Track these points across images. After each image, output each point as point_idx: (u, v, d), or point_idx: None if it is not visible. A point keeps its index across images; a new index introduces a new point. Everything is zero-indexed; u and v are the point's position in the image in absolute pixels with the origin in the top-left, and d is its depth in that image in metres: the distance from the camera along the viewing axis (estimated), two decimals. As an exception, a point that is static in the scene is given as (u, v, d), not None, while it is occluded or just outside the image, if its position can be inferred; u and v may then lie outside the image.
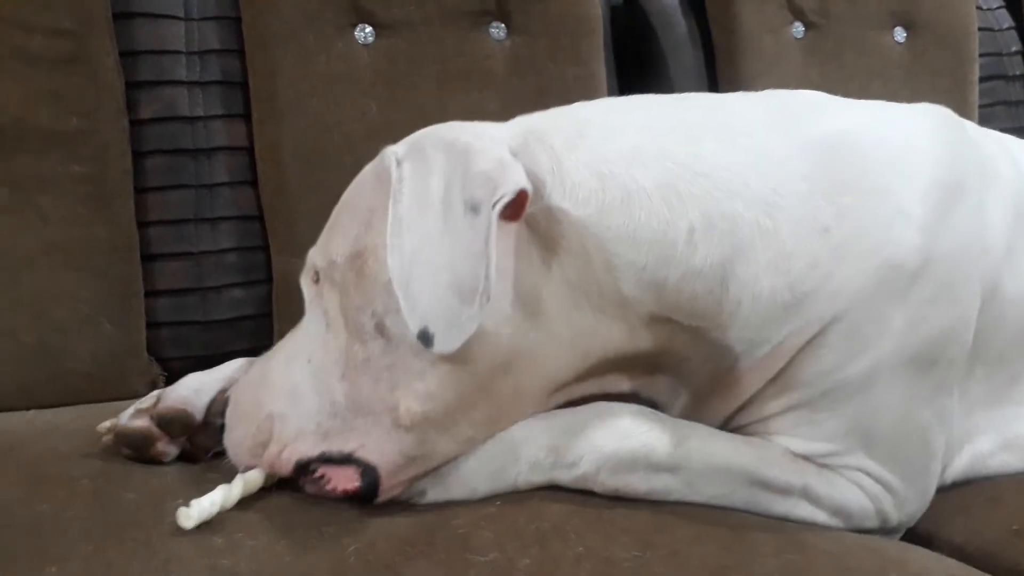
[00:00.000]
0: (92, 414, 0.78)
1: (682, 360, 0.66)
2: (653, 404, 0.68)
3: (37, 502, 0.62)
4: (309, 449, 0.61)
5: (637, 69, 1.21)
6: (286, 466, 0.61)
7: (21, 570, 0.55)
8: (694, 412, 0.68)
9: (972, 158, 0.71)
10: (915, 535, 0.71)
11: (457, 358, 0.58)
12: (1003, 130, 0.90)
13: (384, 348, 0.60)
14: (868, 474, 0.67)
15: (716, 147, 0.64)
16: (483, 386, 0.61)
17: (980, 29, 1.34)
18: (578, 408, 0.65)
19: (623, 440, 0.63)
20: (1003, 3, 1.43)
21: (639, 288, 0.62)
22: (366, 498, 0.60)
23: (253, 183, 0.99)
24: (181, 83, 0.97)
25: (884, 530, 0.69)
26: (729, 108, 0.70)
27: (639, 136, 0.64)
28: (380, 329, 0.60)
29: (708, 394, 0.68)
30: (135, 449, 0.67)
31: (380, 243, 0.59)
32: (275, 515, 0.60)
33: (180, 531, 0.58)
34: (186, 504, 0.58)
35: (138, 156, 0.95)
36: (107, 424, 0.70)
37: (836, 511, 0.66)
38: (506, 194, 0.56)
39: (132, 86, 0.95)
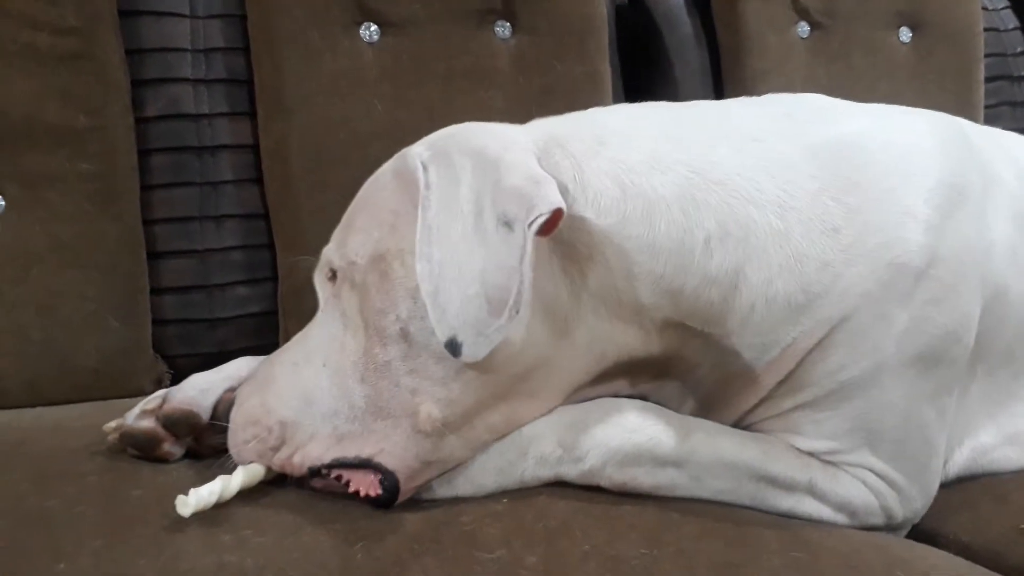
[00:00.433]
0: (99, 411, 0.78)
1: (693, 367, 0.67)
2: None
3: (46, 498, 0.62)
4: (323, 454, 0.61)
5: (642, 68, 1.20)
6: (299, 470, 0.61)
7: (30, 566, 0.55)
8: (701, 417, 0.68)
9: (974, 162, 0.72)
10: (921, 533, 0.71)
11: (480, 365, 0.59)
12: (1008, 130, 0.91)
13: (406, 353, 0.60)
14: (872, 471, 0.67)
15: (729, 153, 0.65)
16: (502, 392, 0.61)
17: (985, 29, 1.34)
18: (584, 404, 0.66)
19: (629, 435, 0.63)
20: (1008, 3, 1.43)
21: (657, 295, 0.63)
22: (385, 504, 0.60)
23: (258, 181, 0.99)
24: (186, 81, 0.98)
25: (889, 526, 0.69)
26: (738, 114, 0.70)
27: (657, 144, 0.65)
28: (404, 334, 0.60)
29: (716, 401, 0.68)
30: (141, 450, 0.67)
31: (406, 248, 0.60)
32: (282, 511, 0.60)
33: (188, 527, 0.58)
34: (186, 494, 0.58)
35: (143, 154, 0.95)
36: (112, 424, 0.69)
37: (841, 507, 0.67)
38: (542, 214, 0.56)
39: (137, 84, 0.95)
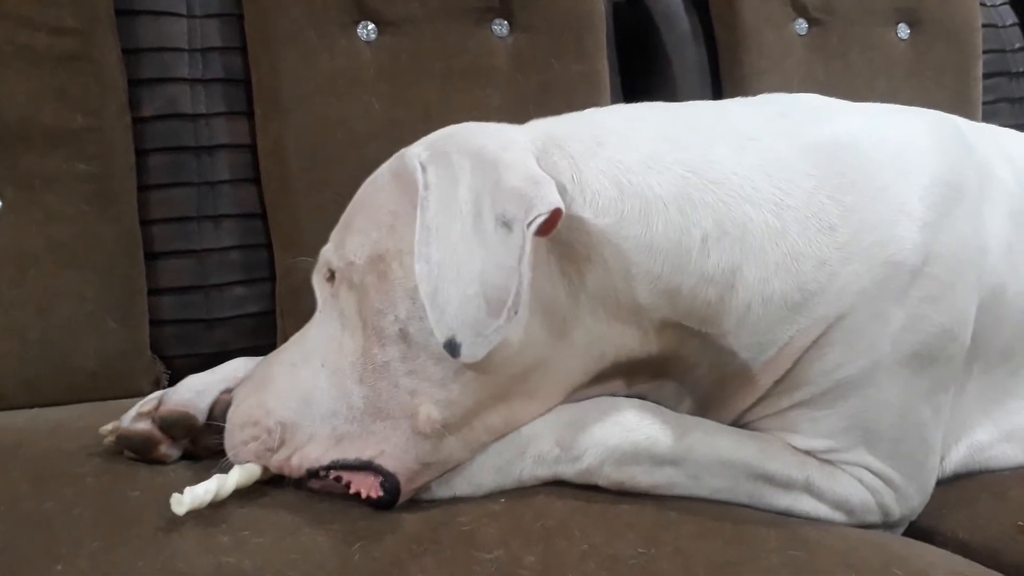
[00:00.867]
0: (97, 412, 0.78)
1: (690, 367, 0.67)
2: None
3: (43, 500, 0.62)
4: (322, 455, 0.61)
5: (640, 66, 1.20)
6: (297, 471, 0.61)
7: (28, 567, 0.55)
8: (698, 416, 0.68)
9: (969, 159, 0.72)
10: (919, 530, 0.71)
11: (479, 366, 0.59)
12: (1006, 126, 0.90)
13: (405, 353, 0.60)
14: (869, 469, 0.67)
15: (726, 153, 0.65)
16: (500, 393, 0.61)
17: (984, 25, 1.34)
18: (581, 403, 0.66)
19: (627, 433, 0.64)
20: (1007, -1, 1.43)
21: (654, 295, 0.63)
22: (387, 506, 0.60)
23: (255, 181, 0.99)
24: (184, 81, 0.98)
25: (886, 524, 0.69)
26: (735, 114, 0.70)
27: (654, 144, 0.65)
28: (403, 334, 0.60)
29: (714, 401, 0.68)
30: (137, 452, 0.67)
31: (405, 248, 0.60)
32: (280, 512, 0.60)
33: (185, 529, 0.58)
34: (181, 492, 0.58)
35: (141, 154, 0.95)
36: (108, 427, 0.69)
37: (838, 505, 0.67)
38: (541, 214, 0.56)
39: (135, 84, 0.95)
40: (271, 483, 0.64)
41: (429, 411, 0.59)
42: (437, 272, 0.57)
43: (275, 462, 0.62)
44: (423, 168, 0.61)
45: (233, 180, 0.99)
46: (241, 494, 0.62)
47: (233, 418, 0.64)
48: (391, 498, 0.60)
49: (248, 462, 0.62)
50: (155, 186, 0.96)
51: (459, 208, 0.58)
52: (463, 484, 0.63)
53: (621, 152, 0.64)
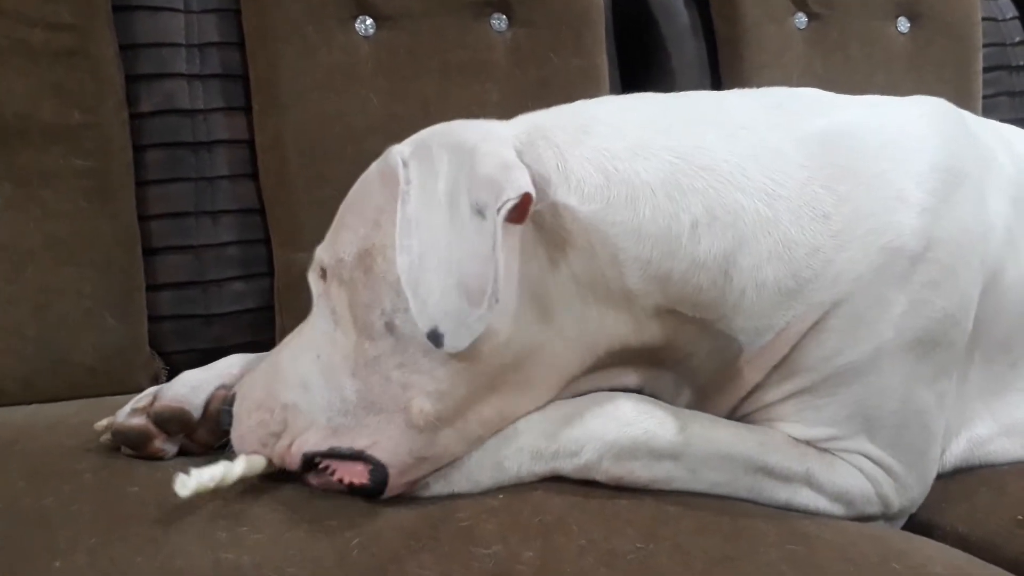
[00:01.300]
0: (95, 408, 0.77)
1: (686, 356, 0.67)
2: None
3: (41, 496, 0.62)
4: (319, 442, 0.61)
5: (639, 60, 1.20)
6: (295, 459, 0.62)
7: (26, 564, 0.55)
8: (697, 407, 0.68)
9: (970, 146, 0.72)
10: (918, 524, 0.71)
11: (468, 356, 0.59)
12: (1006, 120, 0.90)
13: (394, 347, 0.60)
14: (869, 458, 0.67)
15: (716, 141, 0.65)
16: (493, 384, 0.61)
17: (984, 19, 1.33)
18: (579, 398, 0.65)
19: (625, 428, 0.63)
20: (1007, -8, 1.43)
21: (645, 281, 0.63)
22: (372, 495, 0.61)
23: (254, 176, 0.99)
24: (181, 76, 0.97)
25: (886, 515, 0.69)
26: (730, 104, 0.70)
27: (642, 132, 0.65)
28: (390, 327, 0.60)
29: (712, 389, 0.68)
30: (133, 447, 0.67)
31: (388, 242, 0.60)
32: (279, 508, 0.60)
33: (184, 524, 0.58)
34: (186, 473, 0.58)
35: (138, 149, 0.95)
36: (104, 422, 0.69)
37: (838, 497, 0.67)
38: (510, 199, 0.56)
39: (132, 79, 0.95)
40: (270, 479, 0.64)
41: (422, 404, 0.59)
42: (418, 263, 0.57)
43: (278, 449, 0.62)
44: (405, 164, 0.61)
45: (231, 176, 0.99)
46: (240, 490, 0.62)
47: (241, 407, 0.64)
48: (377, 488, 0.60)
49: (253, 449, 0.62)
50: (153, 182, 0.96)
51: (438, 200, 0.59)
52: (461, 481, 0.63)
53: (608, 140, 0.64)
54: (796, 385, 0.66)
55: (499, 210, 0.56)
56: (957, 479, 0.75)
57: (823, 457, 0.66)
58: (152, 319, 0.94)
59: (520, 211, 0.58)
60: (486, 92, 1.03)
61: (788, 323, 0.64)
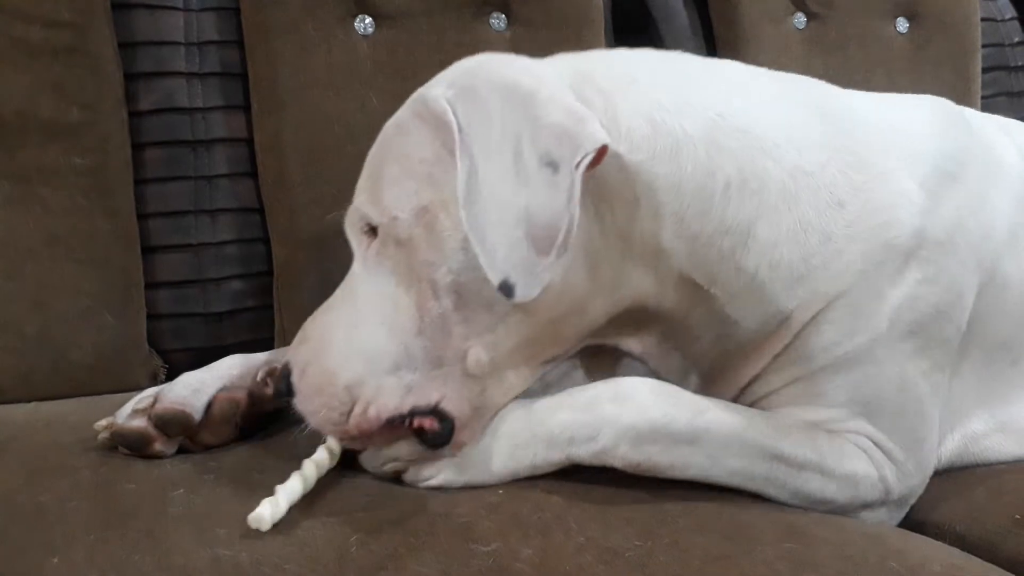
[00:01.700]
0: (93, 406, 0.78)
1: (695, 339, 0.67)
2: None
3: (39, 493, 0.62)
4: (399, 405, 0.61)
5: (638, 60, 1.20)
6: (376, 423, 0.62)
7: (24, 561, 0.55)
8: (702, 393, 0.68)
9: (975, 148, 0.73)
10: (916, 523, 0.71)
11: (524, 307, 0.60)
12: (1005, 120, 0.90)
13: (457, 303, 0.61)
14: (871, 440, 0.67)
15: (753, 104, 0.66)
16: (538, 335, 0.63)
17: (983, 19, 1.33)
18: (592, 384, 0.65)
19: (643, 411, 0.63)
20: (1006, -7, 1.43)
21: (676, 239, 0.63)
22: (436, 444, 0.62)
23: (252, 175, 0.99)
24: (180, 74, 0.97)
25: (886, 502, 0.68)
26: (763, 74, 0.72)
27: (685, 86, 0.65)
28: (456, 285, 0.60)
29: (717, 375, 0.69)
30: (132, 449, 0.67)
31: (449, 197, 0.59)
32: (277, 505, 0.60)
33: (182, 522, 0.58)
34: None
35: (137, 148, 0.95)
36: (103, 423, 0.69)
37: (845, 480, 0.66)
38: (588, 153, 0.57)
39: (131, 77, 0.95)
40: (270, 476, 0.64)
41: (478, 355, 0.61)
42: (483, 217, 0.57)
43: (352, 423, 0.62)
44: (452, 108, 0.60)
45: (230, 174, 0.99)
46: (239, 487, 0.62)
47: (302, 387, 0.63)
48: (445, 436, 0.61)
49: (328, 431, 0.63)
50: (152, 180, 0.96)
51: (497, 148, 0.58)
52: (474, 470, 0.62)
53: (654, 91, 0.64)
54: (796, 373, 0.66)
55: (577, 165, 0.56)
56: (954, 478, 0.75)
57: (833, 440, 0.67)
58: (151, 317, 0.94)
59: (594, 163, 0.58)
60: (485, 91, 1.03)
61: (792, 311, 0.65)
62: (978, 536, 0.69)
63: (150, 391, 0.70)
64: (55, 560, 0.54)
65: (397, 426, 0.62)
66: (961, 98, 1.26)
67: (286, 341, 0.93)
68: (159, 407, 0.67)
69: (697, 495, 0.64)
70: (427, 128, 0.62)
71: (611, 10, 1.16)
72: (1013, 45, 1.41)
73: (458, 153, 0.58)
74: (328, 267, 0.94)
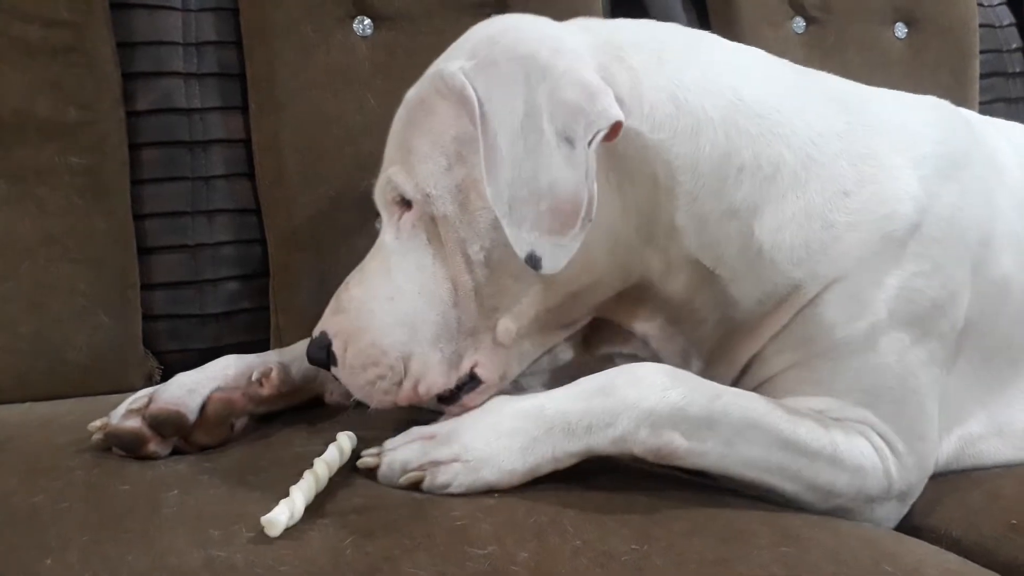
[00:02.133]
0: (88, 407, 0.77)
1: (699, 321, 0.68)
2: None
3: (33, 494, 0.61)
4: (447, 382, 0.65)
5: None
6: (425, 399, 0.65)
7: (17, 562, 0.54)
8: (704, 374, 0.68)
9: (976, 151, 0.74)
10: (912, 527, 0.71)
11: (547, 278, 0.61)
12: (1003, 126, 0.91)
13: (489, 276, 0.63)
14: (873, 429, 0.67)
15: (774, 91, 0.67)
16: (557, 303, 0.64)
17: (981, 25, 1.34)
18: (604, 372, 0.64)
19: (663, 393, 0.62)
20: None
21: (688, 219, 0.65)
22: (451, 401, 0.65)
23: (250, 176, 0.99)
24: (178, 75, 0.97)
25: (887, 496, 0.68)
26: (778, 64, 0.73)
27: (709, 66, 0.67)
28: (488, 259, 0.63)
29: (716, 358, 0.70)
30: (126, 449, 0.67)
31: (479, 176, 0.61)
32: (272, 506, 0.60)
33: (176, 522, 0.58)
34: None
35: (134, 148, 0.94)
36: (97, 423, 0.69)
37: (855, 472, 0.66)
38: (601, 130, 0.58)
39: (128, 77, 0.94)
40: (265, 477, 0.64)
41: (507, 324, 0.64)
42: (509, 192, 0.59)
43: (403, 396, 0.65)
44: (471, 82, 0.61)
45: (227, 175, 0.98)
46: (233, 488, 0.62)
47: (350, 360, 0.65)
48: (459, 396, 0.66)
49: (379, 402, 0.65)
50: (149, 180, 0.95)
51: (518, 122, 0.59)
52: (488, 469, 0.61)
53: (680, 69, 0.65)
54: (794, 357, 0.67)
55: (590, 142, 0.57)
56: (951, 482, 0.75)
57: (842, 429, 0.67)
58: (147, 318, 0.94)
59: (609, 137, 0.59)
60: (484, 93, 1.03)
61: (789, 293, 0.66)
62: (974, 541, 0.69)
63: (144, 391, 0.70)
64: (49, 561, 0.54)
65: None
66: (959, 103, 1.24)
67: (282, 342, 0.93)
68: (153, 407, 0.67)
69: (693, 498, 0.64)
70: (450, 105, 0.63)
71: (610, 13, 1.16)
72: (1011, 51, 1.41)
73: (479, 129, 0.60)
74: (325, 269, 0.94)
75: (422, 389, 0.65)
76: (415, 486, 0.62)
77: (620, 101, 0.62)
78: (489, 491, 0.62)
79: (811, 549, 0.59)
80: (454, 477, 0.62)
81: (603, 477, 0.64)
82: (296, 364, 0.75)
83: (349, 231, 0.95)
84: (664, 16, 1.21)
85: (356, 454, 0.65)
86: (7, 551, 0.55)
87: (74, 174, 0.90)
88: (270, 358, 0.75)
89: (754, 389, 0.69)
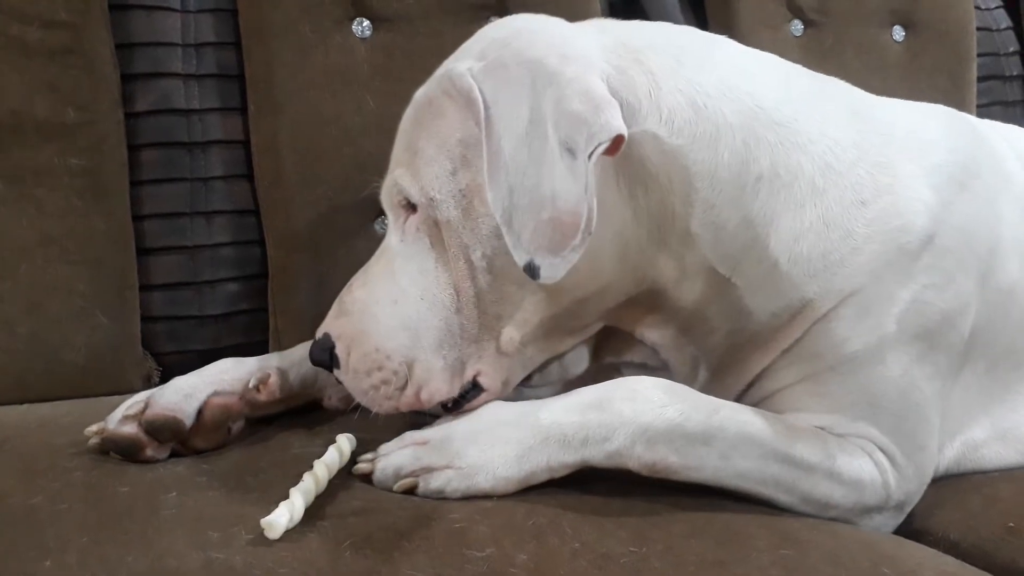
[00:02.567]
0: (86, 408, 0.77)
1: (710, 331, 0.68)
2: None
3: (32, 495, 0.61)
4: (450, 390, 0.65)
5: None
6: (428, 405, 0.65)
7: (16, 563, 0.54)
8: (710, 388, 0.69)
9: (985, 160, 0.74)
10: (910, 530, 0.71)
11: (554, 288, 0.61)
12: (1000, 130, 0.91)
13: (491, 283, 0.62)
14: (874, 443, 0.67)
15: (792, 98, 0.67)
16: (562, 310, 0.64)
17: (978, 29, 1.34)
18: (602, 384, 0.64)
19: (660, 410, 0.62)
20: (1001, 3, 1.43)
21: (703, 227, 0.64)
22: (454, 408, 0.65)
23: (248, 177, 0.99)
24: (177, 76, 0.97)
25: (885, 507, 0.68)
26: (795, 70, 0.72)
27: (728, 71, 0.66)
28: (490, 267, 0.62)
29: (725, 370, 0.69)
30: (123, 454, 0.67)
31: (482, 181, 0.60)
32: (270, 509, 0.60)
33: (175, 524, 0.58)
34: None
35: (133, 149, 0.94)
36: (94, 428, 0.69)
37: (852, 485, 0.66)
38: (602, 143, 0.57)
39: (127, 78, 0.94)
40: (264, 479, 0.64)
41: (511, 333, 0.63)
42: (510, 199, 0.58)
43: (405, 401, 0.64)
44: (479, 84, 0.60)
45: (226, 176, 0.98)
46: (232, 490, 0.62)
47: (354, 365, 0.65)
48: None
49: (382, 407, 0.65)
50: (147, 181, 0.95)
51: (523, 128, 0.59)
52: (483, 477, 0.61)
53: (699, 73, 0.64)
54: (803, 371, 0.67)
55: (591, 155, 0.57)
56: (950, 485, 0.75)
57: (841, 443, 0.67)
58: (145, 319, 0.94)
59: (611, 150, 0.58)
60: (482, 95, 1.03)
61: (804, 306, 0.65)
62: (972, 544, 0.69)
63: (141, 396, 0.69)
64: (47, 563, 0.54)
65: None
66: (957, 107, 1.25)
67: (281, 344, 0.92)
68: (150, 413, 0.66)
69: (691, 500, 0.64)
70: (457, 107, 0.62)
71: (608, 15, 1.16)
72: (1008, 55, 1.41)
73: (483, 133, 0.59)
74: (323, 270, 0.94)
75: (425, 396, 0.64)
76: (410, 491, 0.62)
77: (637, 105, 0.61)
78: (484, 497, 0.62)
79: (810, 552, 0.59)
80: (447, 483, 0.62)
81: (601, 479, 0.64)
82: (295, 369, 0.75)
83: (348, 232, 0.95)
84: (662, 18, 1.21)
85: (355, 456, 0.65)
86: (6, 552, 0.55)
87: (73, 175, 0.90)
88: (268, 362, 0.75)
89: (760, 401, 0.69)
